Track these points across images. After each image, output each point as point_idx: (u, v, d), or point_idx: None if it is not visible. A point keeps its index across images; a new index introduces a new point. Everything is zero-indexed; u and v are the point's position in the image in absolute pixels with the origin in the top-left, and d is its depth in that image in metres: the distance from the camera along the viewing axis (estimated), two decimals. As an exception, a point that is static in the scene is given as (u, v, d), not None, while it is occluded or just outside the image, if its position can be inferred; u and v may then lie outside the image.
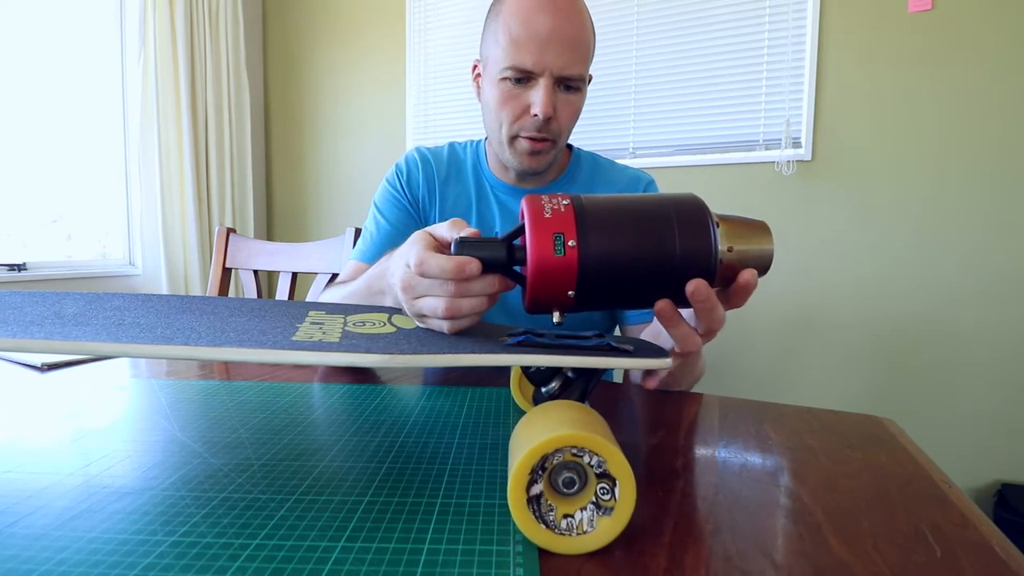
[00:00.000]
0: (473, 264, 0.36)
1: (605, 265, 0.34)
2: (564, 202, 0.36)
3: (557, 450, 0.27)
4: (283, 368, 0.63)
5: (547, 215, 0.35)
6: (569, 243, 0.34)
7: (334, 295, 0.69)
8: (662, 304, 0.37)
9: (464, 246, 0.37)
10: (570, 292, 0.35)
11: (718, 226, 0.36)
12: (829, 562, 0.27)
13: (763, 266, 0.38)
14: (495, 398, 0.52)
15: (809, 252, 1.70)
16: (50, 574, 0.24)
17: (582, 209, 0.35)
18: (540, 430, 0.28)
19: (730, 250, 0.36)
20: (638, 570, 0.26)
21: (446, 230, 0.40)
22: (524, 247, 0.37)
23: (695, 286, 0.35)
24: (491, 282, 0.38)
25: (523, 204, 0.37)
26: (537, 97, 0.69)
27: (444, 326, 0.39)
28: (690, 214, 0.35)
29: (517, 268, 0.39)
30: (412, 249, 0.39)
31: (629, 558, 0.27)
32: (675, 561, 0.27)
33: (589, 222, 0.35)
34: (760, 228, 0.38)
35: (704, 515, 0.31)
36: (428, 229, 0.41)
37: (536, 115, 0.69)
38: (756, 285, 0.37)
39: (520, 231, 0.38)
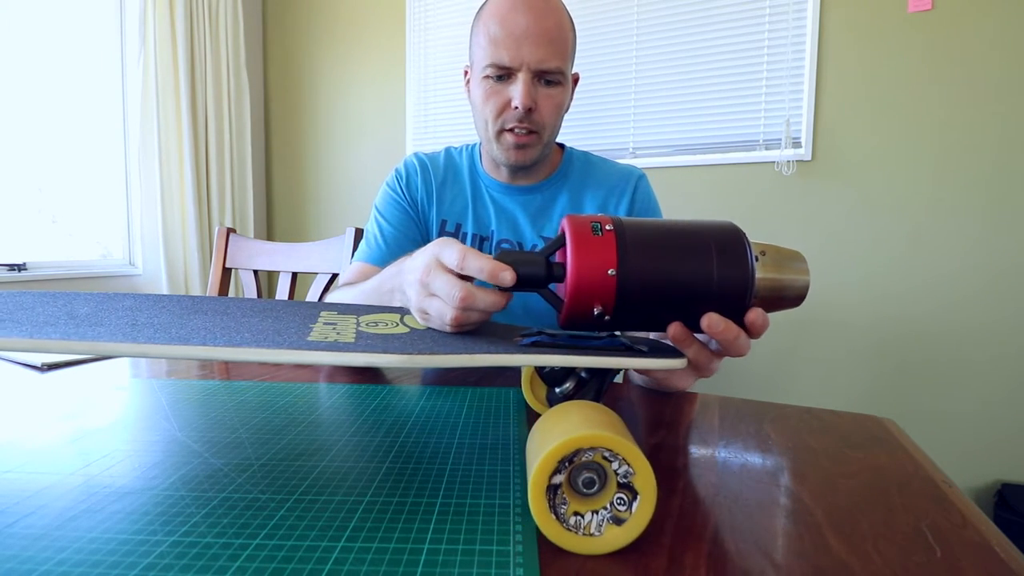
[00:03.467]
0: (508, 274, 0.37)
1: (643, 292, 0.35)
2: (607, 227, 0.36)
3: (592, 448, 0.27)
4: (283, 368, 0.63)
5: (590, 239, 0.35)
6: (609, 271, 0.34)
7: (343, 295, 0.69)
8: (675, 329, 0.37)
9: (505, 257, 0.38)
10: (607, 317, 0.35)
11: (757, 259, 0.36)
12: (829, 562, 0.27)
13: (799, 296, 0.38)
14: (495, 398, 0.52)
15: (809, 252, 1.70)
16: (50, 574, 0.24)
17: (623, 234, 0.35)
18: (579, 424, 0.28)
19: (766, 280, 0.36)
20: (638, 570, 0.26)
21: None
22: (562, 264, 0.37)
23: (709, 320, 0.36)
24: (496, 300, 0.38)
25: (565, 223, 0.37)
26: (516, 91, 0.72)
27: (446, 328, 0.40)
28: (729, 244, 0.36)
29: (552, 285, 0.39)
30: (451, 247, 0.39)
31: (629, 558, 0.27)
32: (675, 561, 0.27)
33: (630, 248, 0.35)
34: (796, 258, 0.38)
35: (704, 515, 0.31)
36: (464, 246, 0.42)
37: (516, 107, 0.72)
38: (768, 324, 0.37)
39: (556, 247, 0.38)
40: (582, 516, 0.28)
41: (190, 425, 0.43)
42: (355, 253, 0.89)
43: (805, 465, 0.39)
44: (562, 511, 0.28)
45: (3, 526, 0.28)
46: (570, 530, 0.27)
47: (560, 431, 0.28)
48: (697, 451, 0.41)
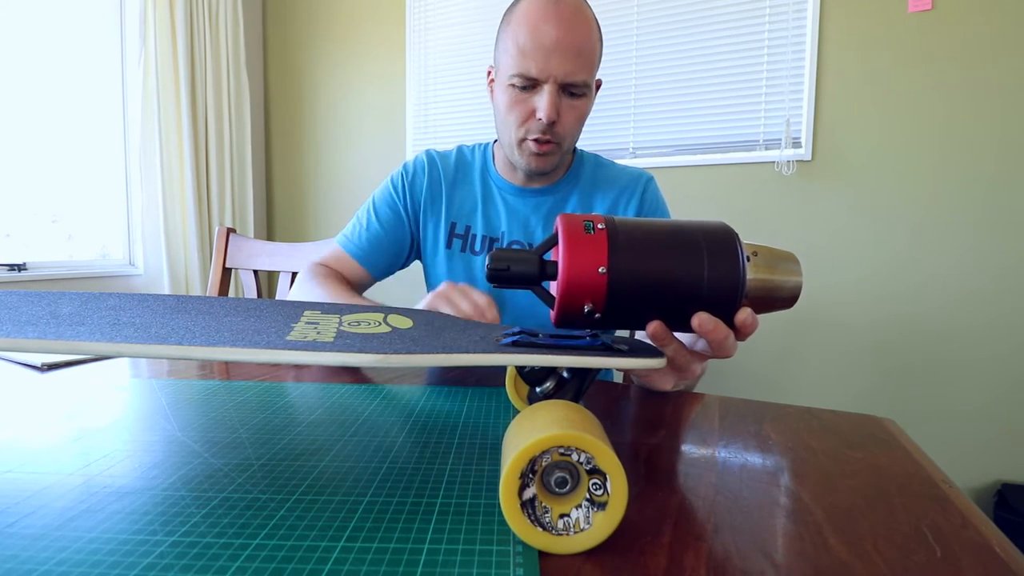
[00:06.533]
0: (493, 311, 0.55)
1: (633, 290, 0.35)
2: (599, 225, 0.36)
3: (544, 451, 0.27)
4: (283, 368, 0.63)
5: (582, 237, 0.35)
6: (600, 270, 0.34)
7: (309, 291, 0.75)
8: (654, 327, 0.37)
9: (499, 255, 0.38)
10: (597, 315, 0.35)
11: (749, 259, 0.36)
12: (829, 562, 0.27)
13: (791, 297, 0.38)
14: (495, 398, 0.52)
15: (809, 252, 1.70)
16: (50, 574, 0.24)
17: (615, 233, 0.35)
18: (527, 433, 0.28)
19: (757, 280, 0.36)
20: (638, 570, 0.26)
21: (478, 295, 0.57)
22: (556, 262, 0.37)
23: (699, 320, 0.35)
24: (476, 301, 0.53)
25: (559, 221, 0.37)
26: (542, 103, 0.72)
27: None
28: (721, 244, 0.36)
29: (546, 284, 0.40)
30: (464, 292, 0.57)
31: (629, 558, 0.27)
32: (675, 561, 0.27)
33: (621, 247, 0.35)
34: (788, 259, 0.38)
35: (704, 515, 0.31)
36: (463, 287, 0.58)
37: (540, 119, 0.73)
38: (757, 324, 0.37)
39: (550, 245, 0.38)
40: (568, 515, 0.28)
41: (190, 425, 0.43)
42: (340, 233, 0.90)
43: (805, 465, 0.39)
44: (547, 520, 0.27)
45: (3, 526, 0.28)
46: (561, 534, 0.27)
47: (511, 446, 0.28)
48: (697, 451, 0.41)
